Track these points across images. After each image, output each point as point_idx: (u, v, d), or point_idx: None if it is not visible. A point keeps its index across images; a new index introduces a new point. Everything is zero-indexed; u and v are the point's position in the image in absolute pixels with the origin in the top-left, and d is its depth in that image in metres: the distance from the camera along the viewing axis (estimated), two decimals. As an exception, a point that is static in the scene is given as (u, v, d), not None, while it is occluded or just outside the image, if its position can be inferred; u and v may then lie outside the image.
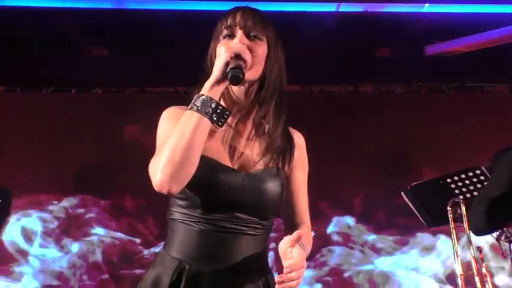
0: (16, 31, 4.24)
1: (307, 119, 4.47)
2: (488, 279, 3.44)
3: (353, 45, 4.59)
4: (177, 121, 1.09)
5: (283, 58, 1.24)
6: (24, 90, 4.71)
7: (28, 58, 4.45)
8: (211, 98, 1.06)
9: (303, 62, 4.53)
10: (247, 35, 1.15)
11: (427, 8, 4.11)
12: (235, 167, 1.16)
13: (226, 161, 1.16)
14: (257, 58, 1.14)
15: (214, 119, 1.06)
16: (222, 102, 1.17)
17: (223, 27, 1.17)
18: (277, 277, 1.02)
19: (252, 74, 1.14)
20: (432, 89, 5.00)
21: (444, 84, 4.90)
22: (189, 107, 1.07)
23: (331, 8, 4.10)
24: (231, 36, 1.16)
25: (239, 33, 1.15)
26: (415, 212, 2.99)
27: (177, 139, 1.04)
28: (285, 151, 1.21)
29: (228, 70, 1.05)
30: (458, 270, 3.67)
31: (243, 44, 1.12)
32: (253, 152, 1.18)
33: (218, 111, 1.06)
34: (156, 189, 1.06)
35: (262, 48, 1.16)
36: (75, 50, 4.54)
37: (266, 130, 1.20)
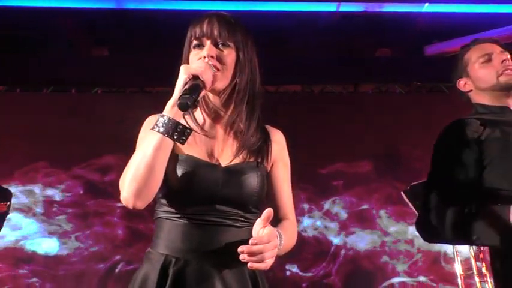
0: (16, 31, 4.24)
1: (307, 119, 4.48)
2: (488, 279, 3.45)
3: (353, 45, 4.59)
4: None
5: (254, 56, 1.26)
6: (24, 90, 4.71)
7: (28, 58, 4.45)
8: (171, 118, 1.10)
9: (303, 62, 4.54)
10: (215, 44, 1.20)
11: (426, 8, 4.11)
12: (214, 162, 1.20)
13: (203, 156, 1.20)
14: (226, 67, 1.20)
15: (175, 137, 1.10)
16: (200, 109, 1.26)
17: (192, 38, 1.22)
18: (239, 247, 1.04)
19: (222, 82, 1.20)
20: (432, 89, 5.00)
21: (444, 84, 4.90)
22: (151, 127, 1.12)
23: (331, 8, 4.10)
24: (200, 46, 1.21)
25: (207, 44, 1.19)
26: (415, 211, 2.99)
27: (140, 159, 1.10)
28: (261, 147, 1.25)
29: (179, 96, 1.09)
30: (458, 270, 3.68)
31: (212, 55, 1.17)
32: (231, 149, 1.22)
33: (179, 129, 1.10)
34: (122, 203, 1.13)
35: (230, 57, 1.20)
36: (75, 50, 4.54)
37: (242, 129, 1.24)
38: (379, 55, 4.83)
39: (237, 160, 1.20)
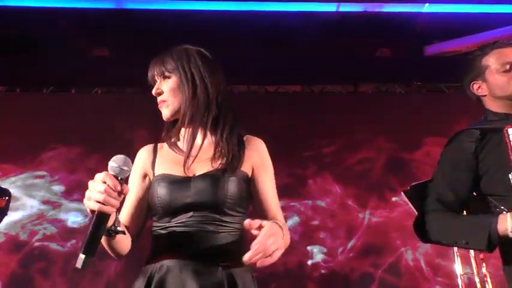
0: (16, 31, 4.24)
1: (307, 118, 4.48)
2: (489, 279, 3.45)
3: (353, 45, 4.59)
4: (137, 168, 1.35)
5: (200, 70, 1.35)
6: (24, 90, 4.71)
7: (28, 58, 4.45)
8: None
9: (303, 62, 4.54)
10: (160, 80, 1.36)
11: (427, 8, 4.11)
12: (186, 174, 1.29)
13: (178, 172, 1.30)
14: (168, 96, 1.34)
15: (113, 235, 1.16)
16: (178, 133, 1.39)
17: (149, 84, 1.39)
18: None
19: (172, 109, 1.34)
20: (432, 89, 5.00)
21: (444, 84, 4.91)
22: None
23: (331, 8, 4.10)
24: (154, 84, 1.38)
25: (157, 83, 1.37)
26: (416, 212, 2.99)
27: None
28: (234, 154, 1.31)
29: (81, 256, 1.04)
30: (458, 270, 3.68)
31: (157, 93, 1.35)
32: (202, 161, 1.31)
33: (111, 232, 1.15)
34: None
35: (168, 85, 1.34)
36: (75, 50, 4.54)
37: (212, 141, 1.34)
38: (379, 55, 4.83)
39: (208, 169, 1.28)
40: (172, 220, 1.25)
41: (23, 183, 4.27)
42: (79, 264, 1.03)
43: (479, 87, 1.62)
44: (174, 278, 1.18)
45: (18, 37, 4.28)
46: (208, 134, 1.34)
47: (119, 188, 1.05)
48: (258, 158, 1.36)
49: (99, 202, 1.03)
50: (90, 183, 1.06)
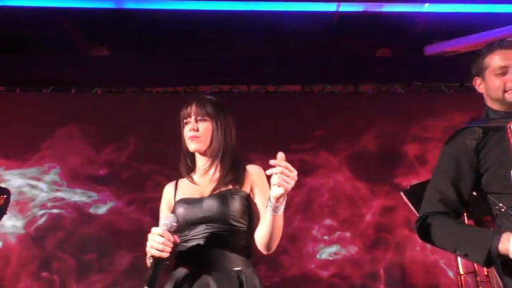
0: (16, 31, 4.24)
1: (307, 118, 4.49)
2: (490, 279, 3.45)
3: (353, 45, 4.59)
4: (164, 201, 1.73)
5: (228, 124, 1.72)
6: (24, 90, 4.71)
7: (28, 58, 4.45)
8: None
9: (303, 62, 4.54)
10: (196, 120, 1.68)
11: (427, 7, 4.11)
12: (199, 196, 1.63)
13: (194, 195, 1.65)
14: (204, 135, 1.67)
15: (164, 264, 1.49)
16: (196, 166, 1.73)
17: (182, 118, 1.71)
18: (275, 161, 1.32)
19: (202, 145, 1.67)
20: (432, 89, 5.00)
21: (444, 84, 4.91)
22: None
23: (331, 8, 4.10)
24: (187, 123, 1.69)
25: (192, 119, 1.68)
26: (415, 211, 2.99)
27: None
28: (234, 180, 1.65)
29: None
30: (458, 270, 3.68)
31: (194, 129, 1.66)
32: (211, 187, 1.65)
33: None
34: None
35: (205, 127, 1.68)
36: (75, 50, 4.55)
37: (219, 173, 1.68)
38: (379, 55, 4.84)
39: (214, 192, 1.61)
40: (190, 233, 1.56)
41: (22, 177, 4.29)
42: None
43: (480, 84, 1.63)
44: (191, 278, 1.49)
45: (18, 37, 4.29)
46: (226, 167, 1.69)
47: (172, 239, 1.41)
48: (253, 182, 1.67)
49: (159, 250, 1.38)
50: (150, 236, 1.42)
